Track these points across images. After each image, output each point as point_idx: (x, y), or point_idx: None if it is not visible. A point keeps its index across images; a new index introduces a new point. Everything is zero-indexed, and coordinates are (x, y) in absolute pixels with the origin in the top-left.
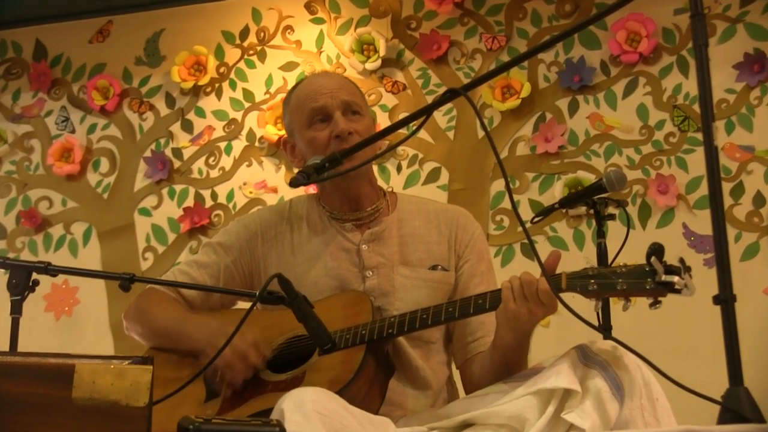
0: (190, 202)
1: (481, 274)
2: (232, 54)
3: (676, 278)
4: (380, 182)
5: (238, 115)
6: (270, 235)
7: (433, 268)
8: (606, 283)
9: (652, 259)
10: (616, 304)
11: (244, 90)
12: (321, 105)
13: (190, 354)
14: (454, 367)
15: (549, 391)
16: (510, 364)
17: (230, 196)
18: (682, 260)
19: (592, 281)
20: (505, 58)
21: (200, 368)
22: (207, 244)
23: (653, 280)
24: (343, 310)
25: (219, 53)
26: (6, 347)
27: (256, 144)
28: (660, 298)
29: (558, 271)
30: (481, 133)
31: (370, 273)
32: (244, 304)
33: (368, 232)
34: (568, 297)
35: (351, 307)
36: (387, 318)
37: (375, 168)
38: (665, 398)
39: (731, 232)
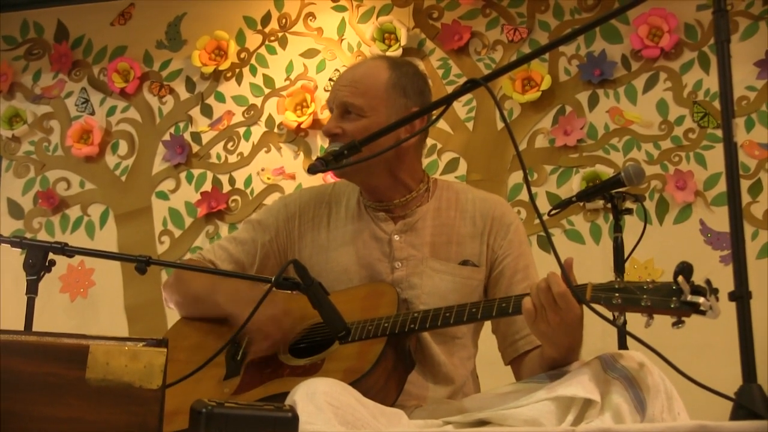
0: (207, 186)
1: (524, 268)
2: (253, 39)
3: (701, 299)
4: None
5: (258, 101)
6: (308, 218)
7: (464, 263)
8: (631, 298)
9: (680, 278)
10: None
11: (265, 76)
12: (329, 99)
13: (219, 322)
14: (477, 360)
15: (569, 399)
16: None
17: (248, 181)
18: (708, 281)
19: (617, 295)
20: (527, 50)
21: (223, 342)
22: (248, 221)
23: (678, 299)
24: (364, 301)
25: (240, 38)
26: (21, 327)
27: (275, 130)
28: (683, 318)
29: (573, 266)
30: (500, 125)
31: (399, 264)
32: None
33: (401, 223)
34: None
35: (373, 298)
36: (410, 313)
37: None
38: (686, 413)
39: (748, 229)
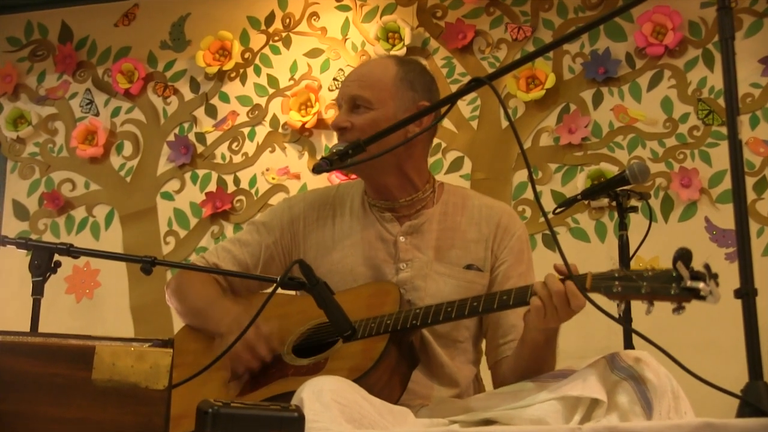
0: (212, 187)
1: (519, 275)
2: (257, 39)
3: (701, 285)
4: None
5: (262, 101)
6: (312, 219)
7: (468, 267)
8: (630, 285)
9: (678, 264)
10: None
11: (269, 76)
12: (338, 96)
13: (215, 334)
14: (481, 365)
15: (575, 399)
16: (539, 361)
17: (253, 181)
18: (707, 266)
19: (617, 283)
20: (531, 48)
21: (220, 351)
22: (252, 222)
23: (678, 285)
24: (369, 299)
25: (244, 39)
26: (27, 328)
27: (280, 130)
28: (684, 304)
29: (578, 263)
30: (504, 123)
31: (404, 265)
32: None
33: (407, 224)
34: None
35: (377, 297)
36: (412, 309)
37: None
38: (693, 412)
39: (753, 226)
